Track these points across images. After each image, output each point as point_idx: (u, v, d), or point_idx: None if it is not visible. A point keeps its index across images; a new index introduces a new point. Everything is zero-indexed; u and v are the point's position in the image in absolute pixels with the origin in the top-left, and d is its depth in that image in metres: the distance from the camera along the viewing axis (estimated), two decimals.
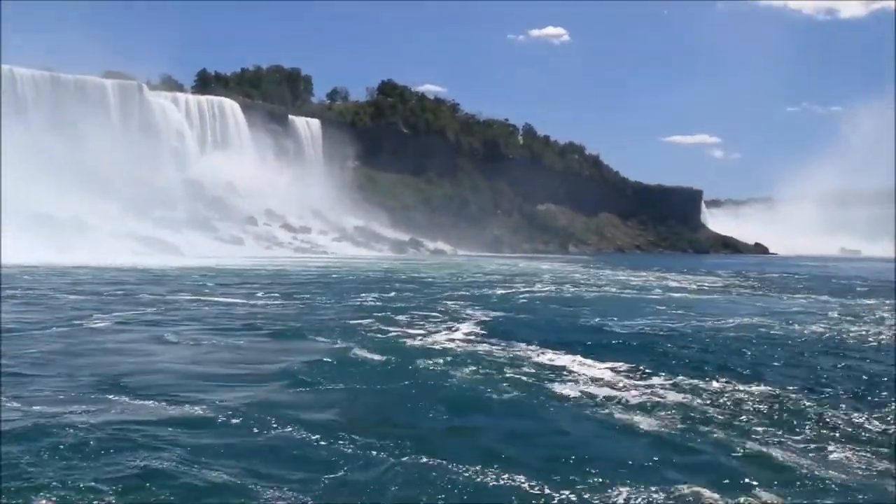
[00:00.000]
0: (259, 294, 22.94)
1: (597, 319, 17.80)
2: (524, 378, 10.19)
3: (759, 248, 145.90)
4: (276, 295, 22.51)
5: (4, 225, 42.27)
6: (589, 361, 11.54)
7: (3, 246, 37.45)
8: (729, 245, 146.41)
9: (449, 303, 20.85)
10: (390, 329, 14.60)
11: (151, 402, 8.49)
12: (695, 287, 33.35)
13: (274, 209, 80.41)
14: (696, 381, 10.31)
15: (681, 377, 10.48)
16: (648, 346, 13.42)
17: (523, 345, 12.84)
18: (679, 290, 30.37)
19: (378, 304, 20.29)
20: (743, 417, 8.62)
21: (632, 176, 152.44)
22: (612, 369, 11.01)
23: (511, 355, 11.91)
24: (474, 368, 10.74)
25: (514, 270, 45.97)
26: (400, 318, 16.51)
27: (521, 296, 25.18)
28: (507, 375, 10.33)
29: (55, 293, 21.07)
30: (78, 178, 60.66)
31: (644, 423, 8.14)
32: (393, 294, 23.94)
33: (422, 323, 15.78)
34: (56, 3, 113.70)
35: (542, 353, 12.21)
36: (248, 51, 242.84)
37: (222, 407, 8.21)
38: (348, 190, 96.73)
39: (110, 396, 8.67)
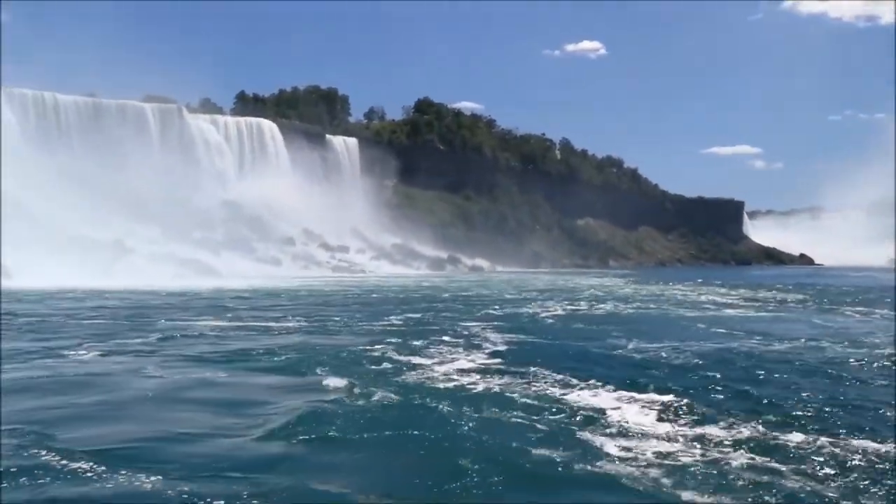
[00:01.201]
0: (282, 317, 22.07)
1: (634, 343, 16.21)
2: (552, 425, 8.62)
3: (805, 260, 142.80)
4: (300, 318, 21.68)
5: (47, 249, 42.90)
6: (625, 403, 9.88)
7: (45, 270, 37.95)
8: (773, 256, 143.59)
9: (474, 324, 19.86)
10: (404, 359, 13.27)
11: (70, 461, 6.93)
12: (739, 302, 31.93)
13: (312, 229, 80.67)
14: (765, 434, 8.42)
15: (743, 428, 8.56)
16: (692, 381, 11.66)
17: (552, 377, 11.55)
18: (722, 306, 29.05)
19: (402, 326, 19.29)
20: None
21: (671, 189, 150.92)
22: (656, 411, 9.37)
23: (537, 393, 10.48)
24: (492, 413, 9.21)
25: (551, 287, 45.18)
26: (418, 343, 15.48)
27: (555, 316, 23.93)
28: (532, 421, 8.77)
29: (69, 318, 20.36)
30: (119, 201, 61.63)
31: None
32: (420, 315, 22.91)
33: (442, 350, 14.62)
34: (97, 27, 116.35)
35: (573, 388, 10.78)
36: (286, 72, 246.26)
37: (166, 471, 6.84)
38: (386, 208, 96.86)
39: (26, 453, 7.20)
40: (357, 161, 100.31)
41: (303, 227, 79.67)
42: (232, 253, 64.26)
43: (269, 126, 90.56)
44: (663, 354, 14.35)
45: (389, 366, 12.60)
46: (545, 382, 11.27)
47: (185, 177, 75.43)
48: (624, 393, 10.48)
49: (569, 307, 27.90)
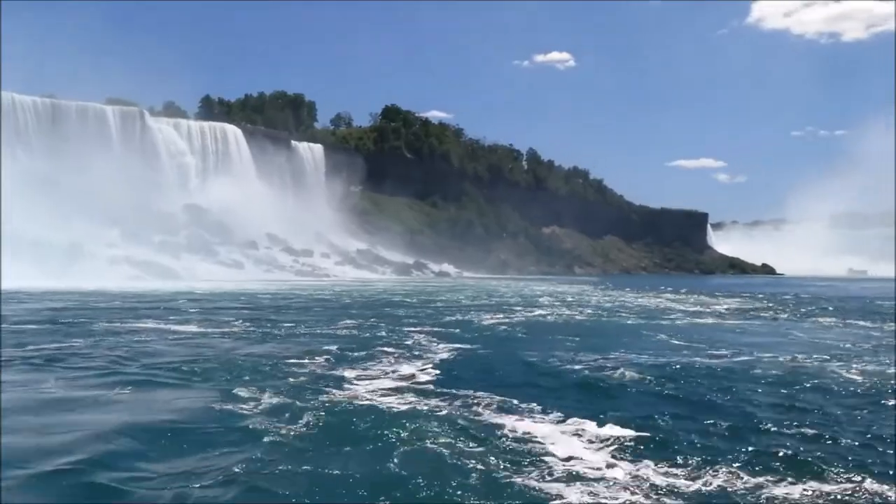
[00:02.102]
0: (227, 322, 21.01)
1: (588, 356, 14.65)
2: (482, 464, 7.10)
3: (767, 269, 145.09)
4: (247, 322, 20.72)
5: (2, 250, 41.91)
6: (573, 435, 8.38)
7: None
8: (736, 266, 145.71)
9: (424, 332, 18.70)
10: (332, 373, 11.96)
11: None
12: (703, 310, 31.31)
13: (276, 233, 80.00)
14: (743, 482, 6.88)
15: (717, 473, 6.97)
16: (652, 405, 10.22)
17: (491, 397, 10.06)
18: (685, 315, 28.30)
19: (348, 334, 18.23)
20: None
21: (637, 200, 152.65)
22: (610, 447, 7.87)
23: (470, 419, 9.01)
24: (411, 447, 7.68)
25: (513, 293, 45.04)
26: (356, 353, 14.24)
27: (510, 324, 22.77)
28: (459, 459, 7.22)
29: None
30: (79, 204, 60.46)
31: None
32: (371, 321, 21.95)
33: (378, 362, 13.19)
34: (61, 29, 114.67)
35: (513, 414, 9.31)
36: (253, 77, 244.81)
37: None
38: (352, 214, 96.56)
39: None
40: (322, 167, 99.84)
41: (267, 231, 78.98)
42: (193, 256, 63.45)
43: (233, 131, 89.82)
44: (620, 371, 12.85)
45: (314, 380, 11.26)
46: (482, 405, 9.76)
47: (147, 180, 74.39)
48: (572, 421, 8.93)
49: (527, 314, 27.15)
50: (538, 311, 28.69)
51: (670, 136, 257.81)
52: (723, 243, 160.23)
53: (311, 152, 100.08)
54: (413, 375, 11.95)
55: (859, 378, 12.74)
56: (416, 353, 14.70)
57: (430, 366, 13.01)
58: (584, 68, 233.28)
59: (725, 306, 34.55)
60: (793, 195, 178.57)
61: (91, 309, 24.58)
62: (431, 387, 10.99)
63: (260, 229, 77.78)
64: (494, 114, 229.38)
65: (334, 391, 10.48)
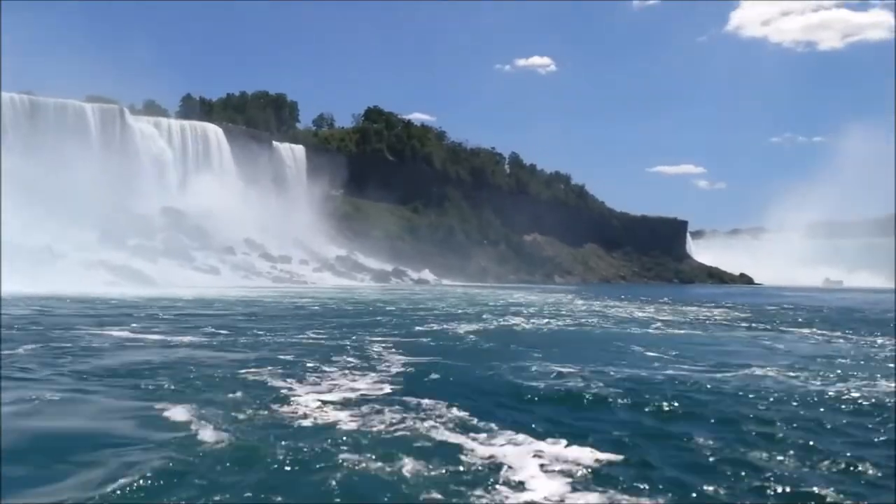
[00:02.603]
0: (191, 329, 20.54)
1: (560, 368, 14.06)
2: (438, 486, 6.66)
3: (744, 279, 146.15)
4: (211, 330, 20.31)
5: None
6: (541, 458, 7.79)
7: None
8: (714, 275, 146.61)
9: (390, 341, 18.25)
10: (282, 384, 11.46)
11: None
12: (680, 321, 31.08)
13: (254, 238, 79.31)
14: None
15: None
16: (630, 425, 9.67)
17: (452, 413, 9.58)
18: (663, 325, 28.02)
19: (312, 343, 17.69)
20: None
21: (617, 206, 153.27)
22: (581, 474, 7.23)
23: (426, 437, 8.43)
24: (358, 467, 7.17)
25: (490, 301, 44.76)
26: (313, 363, 13.70)
27: (483, 333, 22.41)
28: (408, 486, 6.71)
29: None
30: (54, 204, 59.63)
31: None
32: (338, 330, 21.44)
33: (335, 373, 12.68)
34: (42, 26, 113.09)
35: (474, 433, 8.64)
36: (235, 76, 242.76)
37: None
38: (332, 218, 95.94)
39: None
40: (304, 169, 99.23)
41: (245, 236, 78.29)
42: (169, 261, 62.75)
43: (214, 130, 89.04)
44: (590, 386, 12.31)
45: (259, 393, 10.71)
46: (438, 423, 9.15)
47: (125, 180, 73.57)
48: (539, 443, 8.29)
49: (501, 324, 26.86)
50: (513, 321, 28.36)
51: (651, 141, 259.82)
52: (702, 252, 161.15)
53: (292, 154, 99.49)
54: (369, 389, 11.35)
55: (850, 395, 11.97)
56: (378, 364, 14.10)
57: (389, 379, 12.40)
58: (566, 73, 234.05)
59: (704, 317, 34.49)
60: (771, 203, 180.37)
61: (55, 315, 23.90)
62: (386, 402, 10.30)
63: (238, 234, 77.08)
64: (476, 117, 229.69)
65: (278, 406, 9.83)
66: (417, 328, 23.37)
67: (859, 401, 11.46)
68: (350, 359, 14.64)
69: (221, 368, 12.89)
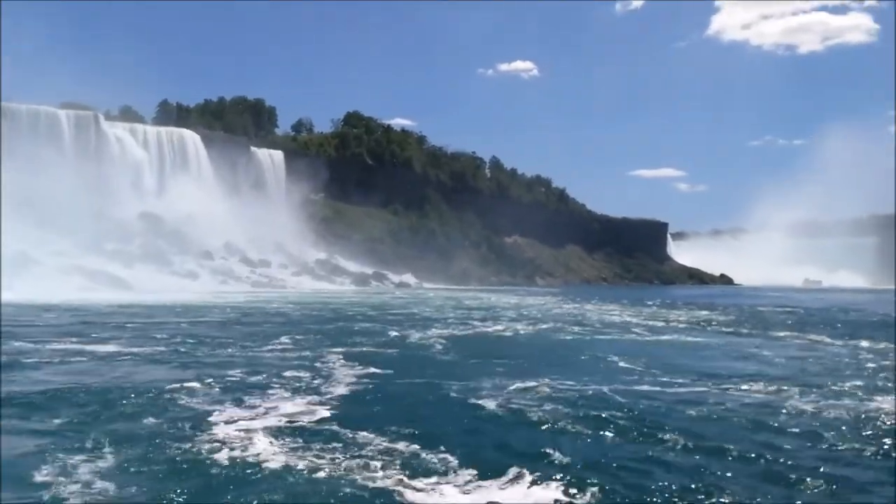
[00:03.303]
0: (155, 339, 19.85)
1: (523, 384, 13.11)
2: None
3: (725, 280, 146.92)
4: (174, 340, 19.49)
5: None
6: (495, 492, 7.15)
7: None
8: (695, 276, 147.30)
9: (347, 352, 17.56)
10: (217, 408, 10.67)
11: None
12: (659, 325, 30.45)
13: (233, 242, 78.65)
14: None
15: None
16: (595, 448, 8.98)
17: (391, 446, 8.50)
18: (641, 330, 27.55)
19: (266, 354, 17.13)
20: None
21: (598, 209, 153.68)
22: None
23: (364, 476, 7.52)
24: None
25: (467, 305, 44.53)
26: (256, 378, 13.17)
27: (450, 340, 21.71)
28: None
29: None
30: (29, 211, 58.93)
31: None
32: (302, 337, 20.93)
33: (273, 393, 11.88)
34: (16, 33, 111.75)
35: (412, 473, 7.65)
36: (213, 83, 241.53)
37: None
38: (312, 222, 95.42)
39: None
40: (283, 174, 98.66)
41: (224, 240, 77.62)
42: (147, 266, 62.04)
43: (191, 136, 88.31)
44: (551, 406, 11.13)
45: (182, 418, 9.92)
46: (378, 457, 8.11)
47: (101, 187, 72.81)
48: (488, 487, 7.30)
49: (474, 330, 26.37)
50: (485, 327, 27.91)
51: (631, 145, 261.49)
52: (683, 253, 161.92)
53: (271, 159, 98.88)
54: (306, 413, 10.48)
55: (843, 416, 11.21)
56: (326, 381, 13.26)
57: (332, 400, 11.50)
58: (548, 78, 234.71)
59: (684, 320, 34.06)
60: (751, 204, 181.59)
61: (13, 325, 23.02)
62: (319, 432, 9.38)
63: (217, 239, 76.43)
64: (459, 122, 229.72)
65: (193, 436, 8.98)
66: (385, 336, 22.64)
67: (853, 425, 10.53)
68: (300, 373, 14.00)
69: (153, 389, 12.02)
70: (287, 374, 14.00)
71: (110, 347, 17.94)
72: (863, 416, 11.28)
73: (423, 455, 8.35)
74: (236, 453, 8.35)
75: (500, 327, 27.77)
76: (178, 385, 12.45)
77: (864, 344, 22.65)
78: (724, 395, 12.95)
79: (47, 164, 67.84)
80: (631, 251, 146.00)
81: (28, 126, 72.75)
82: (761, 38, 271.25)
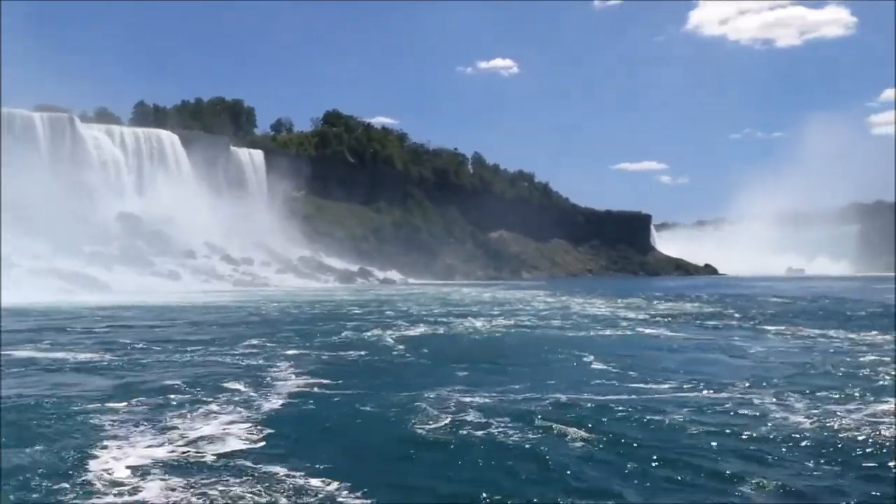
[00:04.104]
0: (116, 344, 18.86)
1: (490, 395, 11.79)
2: None
3: (709, 270, 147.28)
4: (136, 345, 18.50)
5: None
6: None
7: None
8: (680, 267, 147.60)
9: (302, 355, 16.65)
10: (116, 434, 9.36)
11: None
12: (642, 318, 29.10)
13: (215, 242, 77.67)
14: None
15: None
16: (557, 479, 7.71)
17: (314, 490, 7.26)
18: (624, 324, 26.30)
19: (220, 362, 16.06)
20: None
21: (582, 203, 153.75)
22: None
23: None
24: None
25: (452, 301, 43.76)
26: (197, 393, 12.01)
27: (415, 340, 20.62)
28: None
29: None
30: (4, 215, 57.73)
31: None
32: (265, 340, 19.84)
33: (196, 413, 10.56)
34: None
35: None
36: (190, 84, 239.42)
37: None
38: (295, 220, 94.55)
39: None
40: (263, 172, 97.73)
41: (205, 240, 76.66)
42: (126, 267, 60.97)
43: (169, 137, 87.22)
44: (509, 427, 9.68)
45: (77, 445, 8.75)
46: (279, 500, 7.03)
47: (78, 189, 71.65)
48: None
49: (446, 327, 25.19)
50: (461, 324, 26.46)
51: (613, 139, 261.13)
52: (667, 244, 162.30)
53: (251, 158, 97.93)
54: (221, 437, 9.17)
55: (842, 425, 9.81)
56: (263, 395, 11.95)
57: (259, 419, 10.20)
58: (528, 75, 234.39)
59: (668, 312, 32.81)
60: (733, 196, 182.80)
61: None
62: (226, 466, 7.99)
63: (198, 238, 75.46)
64: (440, 120, 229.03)
65: (73, 475, 7.60)
66: (351, 337, 21.54)
67: (853, 437, 9.18)
68: (241, 385, 12.74)
69: (69, 407, 10.77)
70: (228, 384, 12.86)
71: (59, 354, 16.88)
72: (866, 427, 9.74)
73: (339, 498, 7.09)
74: (109, 500, 6.97)
75: (478, 324, 26.52)
76: (99, 404, 11.09)
77: (861, 336, 21.27)
78: (709, 405, 11.21)
79: (22, 167, 66.58)
80: (615, 243, 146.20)
81: (2, 129, 71.40)
82: (739, 32, 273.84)
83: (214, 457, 8.38)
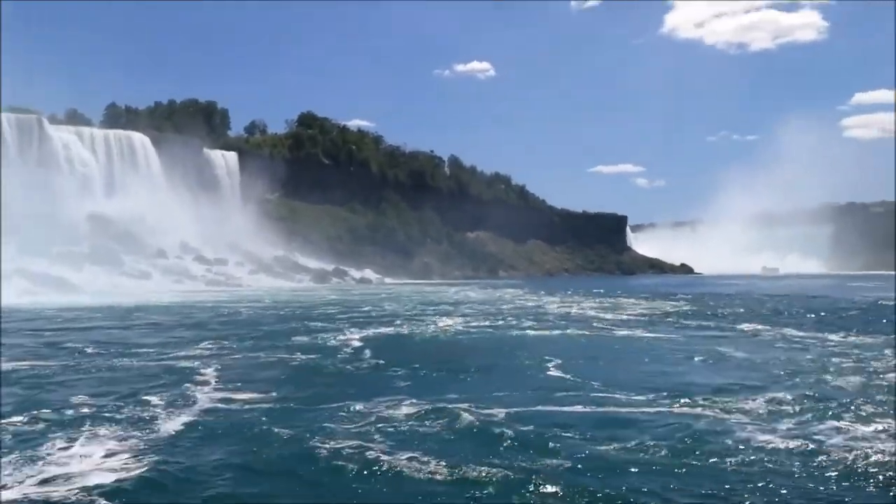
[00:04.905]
0: (59, 347, 17.95)
1: (416, 406, 10.52)
2: None
3: (685, 269, 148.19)
4: (79, 349, 17.54)
5: None
6: None
7: None
8: (655, 266, 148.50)
9: (241, 362, 15.54)
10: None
11: None
12: (613, 318, 27.85)
13: (189, 242, 76.75)
14: None
15: None
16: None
17: None
18: (593, 323, 25.32)
19: (169, 359, 15.45)
20: None
21: (559, 205, 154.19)
22: None
23: None
24: None
25: (422, 300, 42.99)
26: (100, 404, 10.83)
27: (373, 340, 19.72)
28: None
29: None
30: None
31: None
32: (219, 343, 18.95)
33: (105, 429, 9.27)
34: None
35: None
36: (163, 85, 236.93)
37: None
38: (269, 221, 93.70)
39: None
40: (237, 174, 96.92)
41: (178, 240, 75.72)
42: (96, 268, 59.86)
43: (140, 139, 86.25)
44: (433, 455, 8.07)
45: None
46: None
47: (47, 190, 70.34)
48: None
49: (412, 327, 24.20)
50: (427, 325, 25.10)
51: (590, 142, 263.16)
52: (643, 244, 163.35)
53: (224, 160, 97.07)
54: (99, 470, 7.59)
55: (836, 447, 8.42)
56: (177, 409, 10.63)
57: (153, 443, 8.76)
58: (505, 77, 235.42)
59: (644, 312, 31.35)
60: (709, 197, 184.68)
61: None
62: None
63: (171, 238, 74.49)
64: (417, 123, 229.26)
65: None
66: (303, 338, 20.46)
67: (846, 463, 7.80)
68: (156, 397, 11.30)
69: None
70: (142, 396, 11.45)
71: None
72: (860, 451, 8.24)
73: None
74: None
75: (445, 324, 25.37)
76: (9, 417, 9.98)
77: (844, 339, 19.93)
78: (678, 424, 9.50)
79: None
80: (592, 244, 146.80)
81: None
82: (714, 36, 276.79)
83: (67, 496, 6.83)
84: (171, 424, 9.73)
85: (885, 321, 26.40)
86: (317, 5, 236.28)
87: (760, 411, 10.30)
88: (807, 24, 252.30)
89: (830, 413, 10.12)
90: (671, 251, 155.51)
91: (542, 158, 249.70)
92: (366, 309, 34.41)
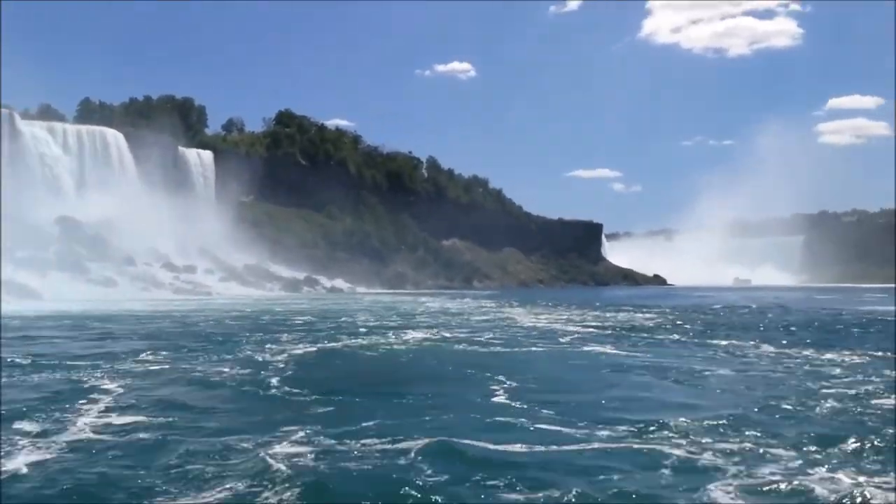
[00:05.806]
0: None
1: (319, 442, 8.83)
2: None
3: (658, 280, 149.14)
4: (24, 361, 16.54)
5: None
6: None
7: None
8: (629, 277, 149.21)
9: (125, 392, 12.78)
10: None
11: None
12: (583, 330, 27.50)
13: (158, 247, 75.76)
14: None
15: None
16: None
17: None
18: (562, 337, 24.84)
19: (89, 378, 14.11)
20: None
21: (536, 210, 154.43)
22: None
23: None
24: None
25: (389, 311, 42.57)
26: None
27: (316, 359, 18.44)
28: None
29: None
30: None
31: None
32: (157, 353, 18.09)
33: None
34: None
35: None
36: (140, 81, 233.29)
37: None
38: (242, 225, 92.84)
39: None
40: (212, 175, 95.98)
41: (147, 245, 74.65)
42: (62, 274, 58.99)
43: (114, 135, 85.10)
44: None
45: None
46: None
47: (15, 189, 69.19)
48: None
49: (360, 341, 23.28)
50: (382, 338, 24.28)
51: (568, 146, 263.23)
52: (617, 254, 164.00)
53: (199, 160, 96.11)
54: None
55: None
56: (48, 439, 9.06)
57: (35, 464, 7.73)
58: (485, 78, 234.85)
59: (614, 325, 30.84)
60: (685, 205, 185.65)
61: None
62: None
63: (140, 244, 73.37)
64: (396, 123, 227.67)
65: None
66: (246, 351, 19.22)
67: None
68: (28, 425, 9.72)
69: None
70: (15, 423, 9.88)
71: None
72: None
73: None
74: None
75: (401, 338, 24.38)
76: None
77: (836, 357, 18.11)
78: (647, 464, 8.01)
79: None
80: (566, 252, 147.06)
81: None
82: (691, 41, 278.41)
83: None
84: (25, 458, 8.09)
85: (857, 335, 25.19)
86: (297, 3, 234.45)
87: (736, 448, 8.61)
88: (782, 31, 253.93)
89: (819, 455, 8.43)
90: (645, 261, 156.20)
91: (519, 160, 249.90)
92: (328, 320, 33.88)
